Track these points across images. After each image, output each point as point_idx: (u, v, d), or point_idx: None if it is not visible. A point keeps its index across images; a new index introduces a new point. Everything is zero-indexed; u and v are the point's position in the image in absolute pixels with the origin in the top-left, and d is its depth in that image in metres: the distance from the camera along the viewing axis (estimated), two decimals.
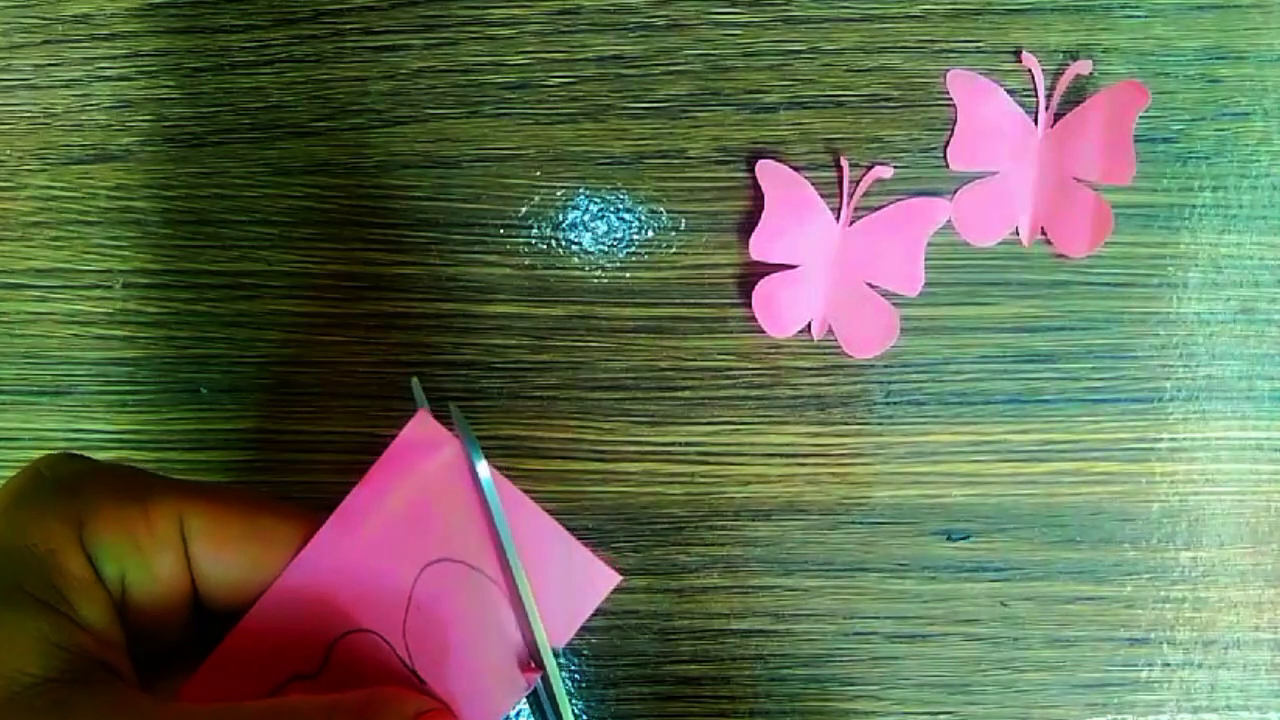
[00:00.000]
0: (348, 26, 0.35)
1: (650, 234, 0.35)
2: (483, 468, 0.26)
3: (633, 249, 0.35)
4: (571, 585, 0.26)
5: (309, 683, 0.25)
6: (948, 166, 0.35)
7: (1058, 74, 0.35)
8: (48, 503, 0.21)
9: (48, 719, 0.19)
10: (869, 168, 0.34)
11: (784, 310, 0.34)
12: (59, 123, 0.35)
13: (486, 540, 0.26)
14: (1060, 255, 0.35)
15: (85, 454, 0.27)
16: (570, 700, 0.26)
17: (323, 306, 0.35)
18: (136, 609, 0.22)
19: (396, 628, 0.25)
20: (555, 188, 0.35)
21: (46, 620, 0.20)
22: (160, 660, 0.24)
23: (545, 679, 0.26)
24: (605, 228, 0.35)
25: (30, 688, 0.19)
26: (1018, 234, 0.35)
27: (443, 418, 0.26)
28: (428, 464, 0.26)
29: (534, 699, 0.27)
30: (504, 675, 0.26)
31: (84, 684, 0.20)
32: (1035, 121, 0.35)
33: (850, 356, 0.35)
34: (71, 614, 0.21)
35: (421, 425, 0.26)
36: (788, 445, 0.35)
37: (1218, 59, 0.35)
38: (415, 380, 0.27)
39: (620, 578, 0.27)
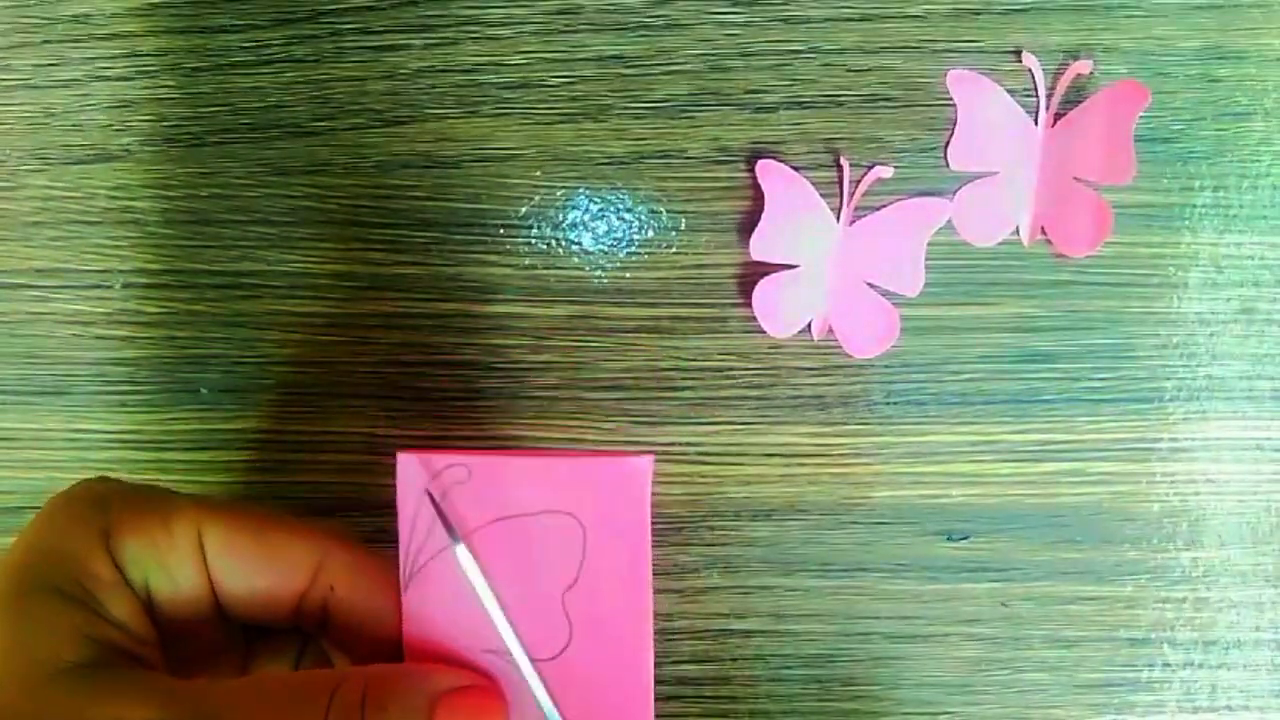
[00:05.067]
0: (347, 26, 0.35)
1: (650, 234, 0.35)
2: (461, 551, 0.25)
3: (633, 249, 0.35)
4: (616, 501, 0.25)
5: None
6: (948, 166, 0.35)
7: (1058, 73, 0.35)
8: (77, 515, 0.24)
9: (80, 695, 0.21)
10: (869, 167, 0.34)
11: (784, 310, 0.34)
12: (58, 122, 0.35)
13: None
14: (1061, 255, 0.35)
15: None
16: None
17: (323, 306, 0.35)
18: (163, 612, 0.24)
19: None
20: (555, 188, 0.35)
21: (79, 614, 0.22)
22: (198, 659, 0.26)
23: None
24: (605, 228, 0.35)
25: (66, 671, 0.21)
26: (1018, 234, 0.35)
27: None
28: None
29: None
30: None
31: (113, 669, 0.22)
32: (1035, 121, 0.35)
33: (850, 356, 0.35)
34: (100, 611, 0.23)
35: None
36: (788, 445, 0.35)
37: (1218, 58, 0.35)
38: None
39: (652, 455, 0.25)
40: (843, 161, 0.34)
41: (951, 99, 0.35)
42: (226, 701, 0.22)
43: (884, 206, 0.35)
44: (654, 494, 0.35)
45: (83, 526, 0.23)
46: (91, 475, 0.25)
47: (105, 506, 0.24)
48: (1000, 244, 0.35)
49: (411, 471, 0.25)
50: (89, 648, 0.22)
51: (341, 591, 0.26)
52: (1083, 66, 0.34)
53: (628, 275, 0.35)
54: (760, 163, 0.34)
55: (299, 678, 0.23)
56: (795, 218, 0.34)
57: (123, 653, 0.22)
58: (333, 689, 0.22)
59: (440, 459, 0.25)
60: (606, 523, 0.25)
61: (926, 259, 0.34)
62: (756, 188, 0.34)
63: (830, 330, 0.35)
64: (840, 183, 0.35)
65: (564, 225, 0.35)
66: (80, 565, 0.23)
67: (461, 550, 0.25)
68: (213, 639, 0.26)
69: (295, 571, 0.25)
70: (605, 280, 0.35)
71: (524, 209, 0.35)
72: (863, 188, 0.34)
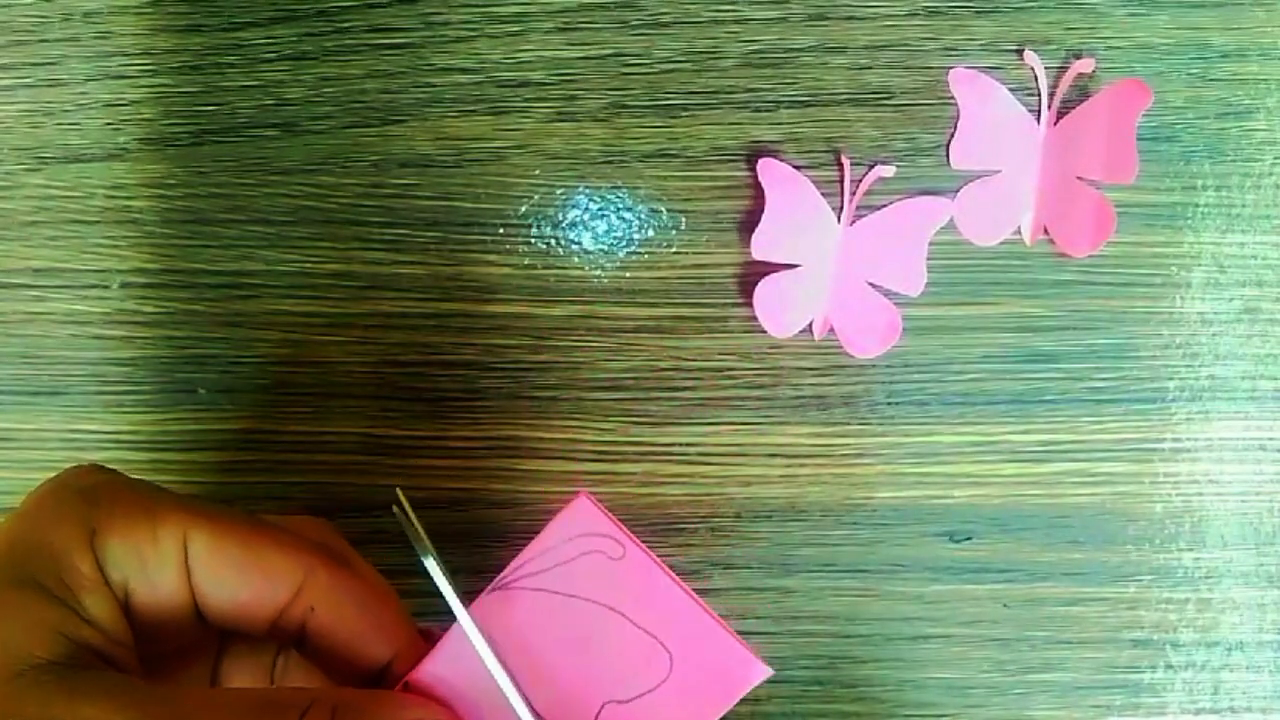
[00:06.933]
0: (347, 24, 0.35)
1: (651, 233, 0.35)
2: (430, 564, 0.25)
3: (633, 248, 0.35)
4: (714, 674, 0.26)
5: None
6: (950, 165, 0.35)
7: (1060, 72, 0.35)
8: (65, 507, 0.23)
9: (51, 695, 0.20)
10: (871, 166, 0.34)
11: (785, 310, 0.34)
12: (56, 121, 0.35)
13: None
14: (1063, 255, 0.35)
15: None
16: None
17: (321, 306, 0.35)
18: (140, 613, 0.24)
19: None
20: (555, 187, 0.35)
21: (56, 611, 0.22)
22: (170, 656, 0.26)
23: None
24: (605, 227, 0.35)
25: (39, 668, 0.21)
26: (1020, 233, 0.35)
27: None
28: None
29: None
30: None
31: (85, 670, 0.21)
32: (1038, 120, 0.35)
33: (852, 356, 0.35)
34: (79, 609, 0.22)
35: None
36: (789, 446, 0.35)
37: (1221, 57, 0.35)
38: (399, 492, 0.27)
39: (770, 671, 0.26)
40: (844, 160, 0.34)
41: (953, 98, 0.35)
42: (197, 712, 0.22)
43: (885, 206, 0.35)
44: (654, 494, 0.35)
45: (69, 521, 0.23)
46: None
47: (94, 501, 0.24)
48: (1002, 243, 0.35)
49: (580, 515, 0.26)
50: (63, 646, 0.21)
51: (322, 614, 0.25)
52: (1085, 65, 0.34)
53: (628, 275, 0.35)
54: (761, 161, 0.34)
55: (271, 694, 0.23)
56: (796, 217, 0.34)
57: (97, 653, 0.22)
58: (303, 709, 0.22)
59: (610, 525, 0.26)
60: (692, 683, 0.25)
61: (928, 258, 0.34)
62: (757, 187, 0.34)
63: (831, 330, 0.35)
64: (841, 182, 0.35)
65: (564, 225, 0.35)
66: (63, 561, 0.23)
67: (431, 563, 0.25)
68: (187, 639, 0.26)
69: (277, 588, 0.25)
70: (605, 280, 0.35)
71: (524, 208, 0.35)
72: (864, 187, 0.34)
